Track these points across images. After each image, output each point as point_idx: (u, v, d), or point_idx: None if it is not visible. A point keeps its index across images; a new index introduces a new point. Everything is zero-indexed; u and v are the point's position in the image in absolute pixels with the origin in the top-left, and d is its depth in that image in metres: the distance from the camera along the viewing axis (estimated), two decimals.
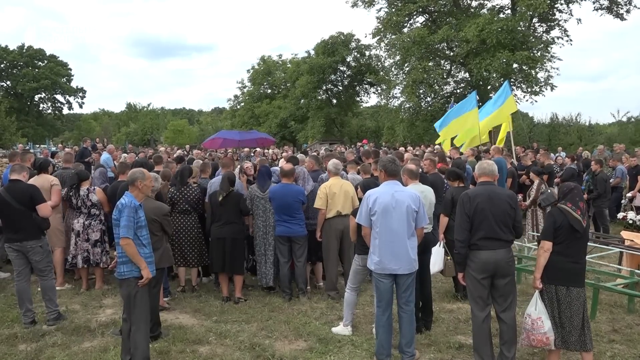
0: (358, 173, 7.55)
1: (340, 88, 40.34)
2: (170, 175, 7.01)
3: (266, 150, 17.12)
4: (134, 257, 4.31)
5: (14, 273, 5.74)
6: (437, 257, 5.67)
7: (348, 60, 38.31)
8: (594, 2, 25.93)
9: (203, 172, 7.65)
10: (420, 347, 4.95)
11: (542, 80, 24.83)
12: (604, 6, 25.87)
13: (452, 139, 14.60)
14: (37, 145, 38.57)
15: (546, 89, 25.07)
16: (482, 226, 4.37)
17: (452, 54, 27.73)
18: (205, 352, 4.90)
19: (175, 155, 12.91)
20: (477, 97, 14.49)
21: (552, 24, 26.32)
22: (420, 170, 7.35)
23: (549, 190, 8.60)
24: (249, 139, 11.93)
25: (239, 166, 7.90)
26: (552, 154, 15.04)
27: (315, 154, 11.58)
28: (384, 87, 31.26)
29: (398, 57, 28.48)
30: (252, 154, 15.83)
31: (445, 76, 28.46)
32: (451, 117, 13.96)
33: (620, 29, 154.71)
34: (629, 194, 10.86)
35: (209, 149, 16.88)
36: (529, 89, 25.18)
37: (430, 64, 27.11)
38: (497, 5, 27.90)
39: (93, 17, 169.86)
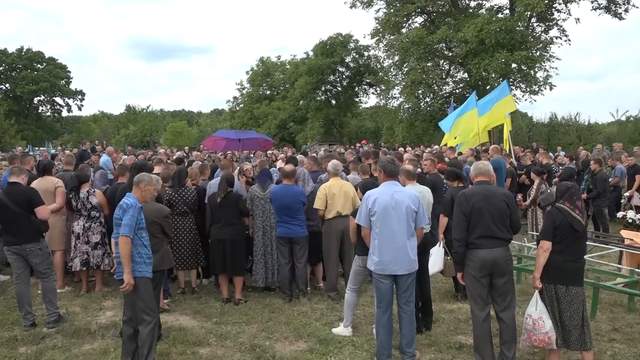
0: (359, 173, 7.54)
1: (339, 89, 40.38)
2: (169, 177, 7.00)
3: (269, 152, 17.11)
4: (126, 258, 4.27)
5: (13, 276, 5.75)
6: (437, 257, 5.68)
7: (347, 61, 38.37)
8: (592, 2, 25.98)
9: (202, 173, 7.65)
10: (421, 348, 4.95)
11: (541, 79, 24.87)
12: (602, 6, 25.90)
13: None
14: (37, 148, 38.56)
15: (545, 89, 25.12)
16: (479, 225, 4.38)
17: (451, 54, 27.77)
18: (206, 354, 4.90)
19: (174, 157, 12.91)
20: (477, 98, 14.50)
21: (551, 23, 26.34)
22: (420, 170, 7.36)
23: (549, 191, 8.62)
24: (250, 141, 11.90)
25: (238, 168, 7.91)
26: (551, 154, 15.04)
27: (314, 154, 11.58)
28: (383, 87, 31.31)
29: (397, 58, 28.52)
30: (252, 155, 15.83)
31: (444, 76, 28.48)
32: (454, 119, 13.99)
33: (619, 28, 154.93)
34: (627, 193, 10.88)
35: (210, 150, 16.80)
36: (528, 89, 25.21)
37: (429, 64, 27.15)
38: (495, 5, 28.01)
39: (92, 19, 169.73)
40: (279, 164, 10.76)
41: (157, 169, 7.49)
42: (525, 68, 24.35)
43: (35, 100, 57.47)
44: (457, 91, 27.76)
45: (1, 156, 18.32)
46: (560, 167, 12.31)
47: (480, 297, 4.45)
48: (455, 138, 14.56)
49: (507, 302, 4.44)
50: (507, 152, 12.67)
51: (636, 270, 6.47)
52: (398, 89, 28.89)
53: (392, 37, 28.05)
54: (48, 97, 57.88)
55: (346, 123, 41.97)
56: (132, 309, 4.43)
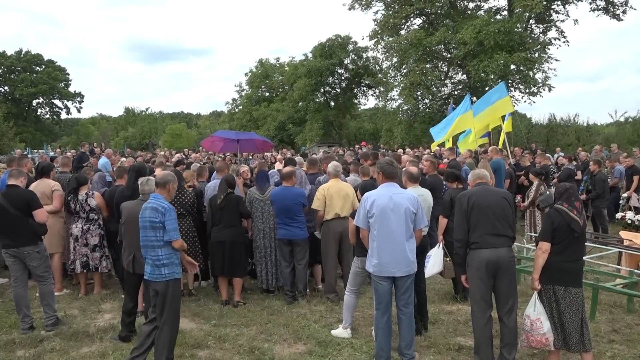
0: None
1: (338, 90, 40.38)
2: None
3: (266, 154, 17.09)
4: (185, 257, 4.76)
5: (11, 279, 5.73)
6: (436, 258, 5.68)
7: (346, 62, 38.39)
8: (590, 3, 26.05)
9: (200, 175, 7.64)
10: (420, 349, 4.94)
11: (540, 81, 24.92)
12: (600, 7, 25.96)
13: (455, 140, 14.68)
14: (35, 151, 38.56)
15: (544, 90, 25.17)
16: (482, 223, 4.38)
17: (449, 55, 27.81)
18: (205, 356, 4.88)
19: (174, 160, 12.90)
20: (475, 99, 14.52)
21: (549, 25, 26.42)
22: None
23: (548, 192, 8.61)
24: (247, 143, 11.86)
25: (235, 170, 7.90)
26: (550, 155, 15.05)
27: (313, 156, 11.57)
28: (382, 89, 31.34)
29: (395, 59, 28.56)
30: (251, 157, 15.82)
31: (442, 78, 28.53)
32: (448, 124, 14.01)
33: (618, 29, 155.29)
34: (625, 194, 10.88)
35: (208, 150, 16.79)
36: (527, 90, 25.25)
37: (427, 66, 27.19)
38: (493, 6, 28.04)
39: (90, 22, 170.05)
40: (277, 165, 10.77)
41: (158, 171, 7.48)
42: (523, 69, 24.40)
43: (34, 102, 57.38)
44: (456, 93, 27.79)
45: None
46: (559, 169, 12.31)
47: (483, 299, 4.44)
48: (450, 141, 14.61)
49: (509, 305, 4.44)
50: (505, 153, 12.67)
51: (635, 271, 6.46)
52: (397, 91, 28.93)
53: (390, 39, 28.08)
54: (47, 100, 57.79)
55: (345, 125, 41.96)
56: (157, 310, 4.47)
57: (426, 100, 28.70)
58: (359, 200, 5.65)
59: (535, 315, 4.24)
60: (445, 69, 29.06)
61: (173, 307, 4.44)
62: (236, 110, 48.08)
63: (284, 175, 6.62)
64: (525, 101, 26.11)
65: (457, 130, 13.78)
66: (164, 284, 4.40)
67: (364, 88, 40.07)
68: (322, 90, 39.37)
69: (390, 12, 27.99)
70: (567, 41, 26.45)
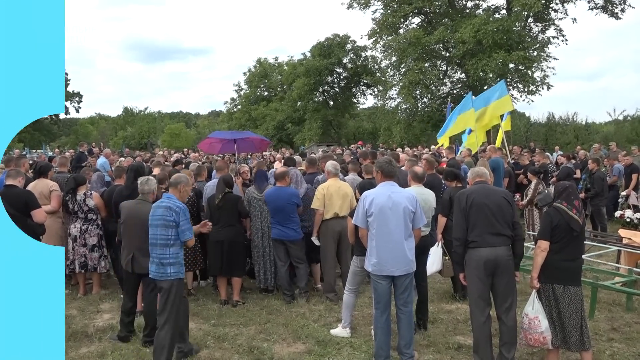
0: (359, 174, 7.48)
1: (337, 90, 40.39)
2: (166, 179, 6.97)
3: (264, 153, 17.06)
4: (196, 226, 5.11)
5: None
6: (436, 257, 5.67)
7: (344, 61, 38.40)
8: (588, 2, 26.05)
9: (198, 175, 7.62)
10: (419, 348, 4.94)
11: (539, 79, 24.95)
12: (598, 5, 25.96)
13: (452, 139, 14.71)
14: (34, 150, 38.52)
15: (542, 89, 25.21)
16: (480, 222, 4.37)
17: (448, 54, 27.83)
18: (204, 356, 4.88)
19: (172, 159, 12.88)
20: (474, 97, 14.52)
21: (548, 23, 26.43)
22: None
23: (547, 191, 8.61)
24: (245, 143, 11.82)
25: (235, 169, 7.88)
26: (549, 154, 15.05)
27: (312, 155, 11.54)
28: (381, 88, 31.34)
29: (394, 59, 28.55)
30: (249, 157, 15.79)
31: (441, 77, 28.54)
32: (450, 124, 14.02)
33: (616, 27, 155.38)
34: (624, 192, 10.89)
35: (206, 152, 16.78)
36: (526, 89, 25.28)
37: (426, 65, 27.19)
38: (492, 5, 28.06)
39: (88, 21, 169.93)
40: (277, 164, 10.75)
41: (155, 171, 7.48)
42: (522, 68, 24.43)
43: None
44: (455, 92, 27.82)
45: None
46: (558, 168, 12.31)
47: (482, 298, 4.43)
48: (454, 139, 14.63)
49: (508, 304, 4.42)
50: (504, 152, 12.68)
51: (634, 269, 6.46)
52: (395, 90, 28.94)
53: (389, 38, 28.10)
54: None
55: (344, 124, 41.95)
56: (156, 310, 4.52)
57: (425, 99, 28.71)
58: (358, 200, 5.66)
59: (533, 314, 4.25)
60: (444, 67, 29.06)
61: (175, 307, 4.45)
62: (235, 109, 48.03)
63: (277, 175, 6.61)
64: (524, 100, 26.20)
65: (459, 129, 13.79)
66: (169, 283, 4.42)
67: (363, 87, 40.08)
68: (320, 89, 39.37)
69: (389, 11, 27.98)
70: (566, 40, 26.48)
